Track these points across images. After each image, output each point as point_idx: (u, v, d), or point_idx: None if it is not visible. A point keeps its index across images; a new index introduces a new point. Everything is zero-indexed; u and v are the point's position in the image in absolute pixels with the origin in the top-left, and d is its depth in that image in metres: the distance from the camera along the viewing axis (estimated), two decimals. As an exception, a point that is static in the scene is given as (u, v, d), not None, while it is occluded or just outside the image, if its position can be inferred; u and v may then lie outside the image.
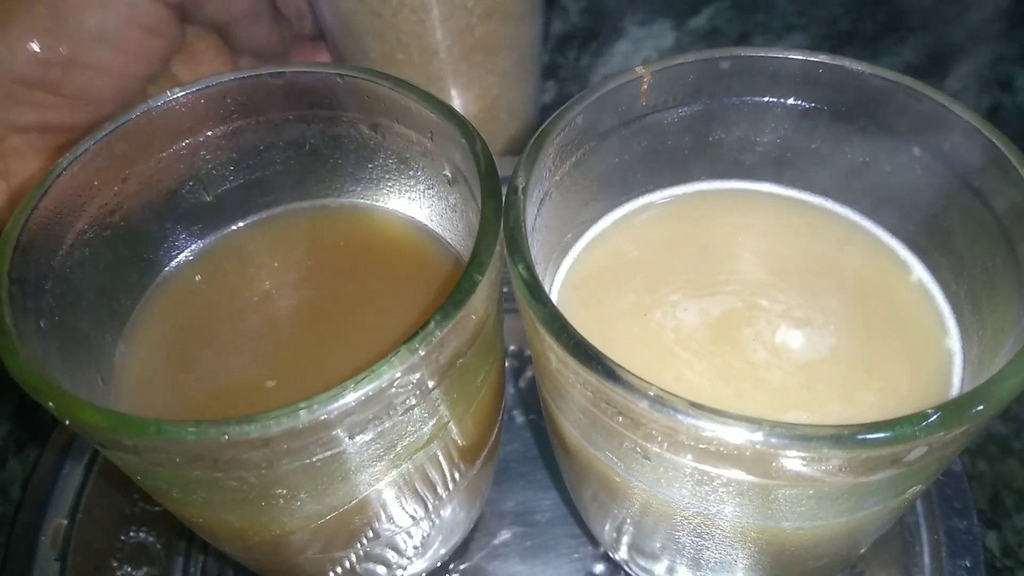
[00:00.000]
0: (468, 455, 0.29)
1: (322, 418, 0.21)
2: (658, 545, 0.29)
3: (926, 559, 0.34)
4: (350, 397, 0.21)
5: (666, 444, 0.22)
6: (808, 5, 0.64)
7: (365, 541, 0.29)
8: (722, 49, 0.29)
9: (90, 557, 0.37)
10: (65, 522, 0.38)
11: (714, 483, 0.22)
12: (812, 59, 0.28)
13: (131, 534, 0.38)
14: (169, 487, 0.25)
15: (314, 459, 0.23)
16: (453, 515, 0.33)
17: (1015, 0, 0.63)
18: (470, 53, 0.45)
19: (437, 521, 0.32)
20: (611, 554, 0.36)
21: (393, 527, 0.30)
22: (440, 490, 0.30)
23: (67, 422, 0.22)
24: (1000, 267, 0.26)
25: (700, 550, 0.27)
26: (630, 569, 0.34)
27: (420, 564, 0.35)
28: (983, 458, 0.40)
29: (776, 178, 0.32)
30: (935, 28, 0.62)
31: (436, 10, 0.42)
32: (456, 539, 0.36)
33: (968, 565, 0.33)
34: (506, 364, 0.44)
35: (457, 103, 0.48)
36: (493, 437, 0.32)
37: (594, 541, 0.38)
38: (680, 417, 0.20)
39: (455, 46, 0.45)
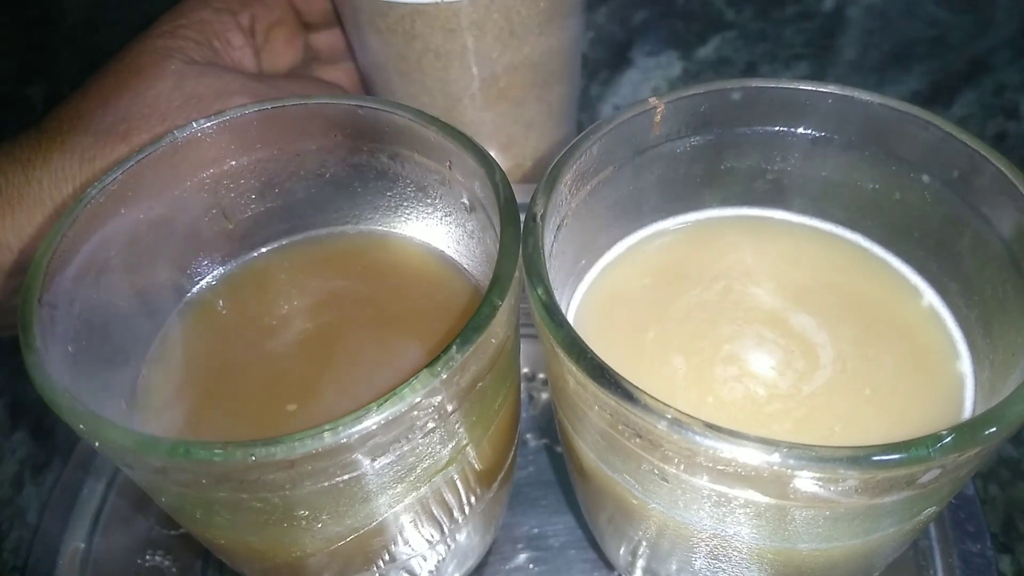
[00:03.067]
0: (485, 478, 0.30)
1: (345, 440, 0.21)
2: (674, 567, 0.30)
3: (940, 583, 0.34)
4: (372, 420, 0.21)
5: (683, 466, 0.22)
6: (814, 35, 0.65)
7: (381, 564, 0.30)
8: (733, 80, 0.29)
9: (108, 581, 0.38)
10: (83, 546, 0.38)
11: (731, 504, 0.22)
12: (821, 89, 0.29)
13: (147, 558, 0.39)
14: (193, 509, 0.25)
15: (336, 480, 0.23)
16: (468, 539, 0.33)
17: (1020, 28, 0.64)
18: (495, 103, 0.46)
19: (452, 545, 0.32)
20: (625, 578, 0.36)
21: (409, 550, 0.30)
22: (456, 513, 0.30)
23: (96, 444, 0.22)
24: (1010, 291, 0.26)
25: (716, 572, 0.27)
26: (645, 593, 0.34)
27: (435, 588, 0.35)
28: (995, 482, 0.40)
29: (787, 205, 0.33)
30: (940, 57, 0.63)
31: (460, 58, 0.43)
32: (470, 563, 0.36)
33: (983, 589, 0.33)
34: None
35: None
36: (509, 461, 0.32)
37: (608, 565, 0.38)
38: (698, 439, 0.20)
39: (479, 95, 0.45)
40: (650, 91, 0.63)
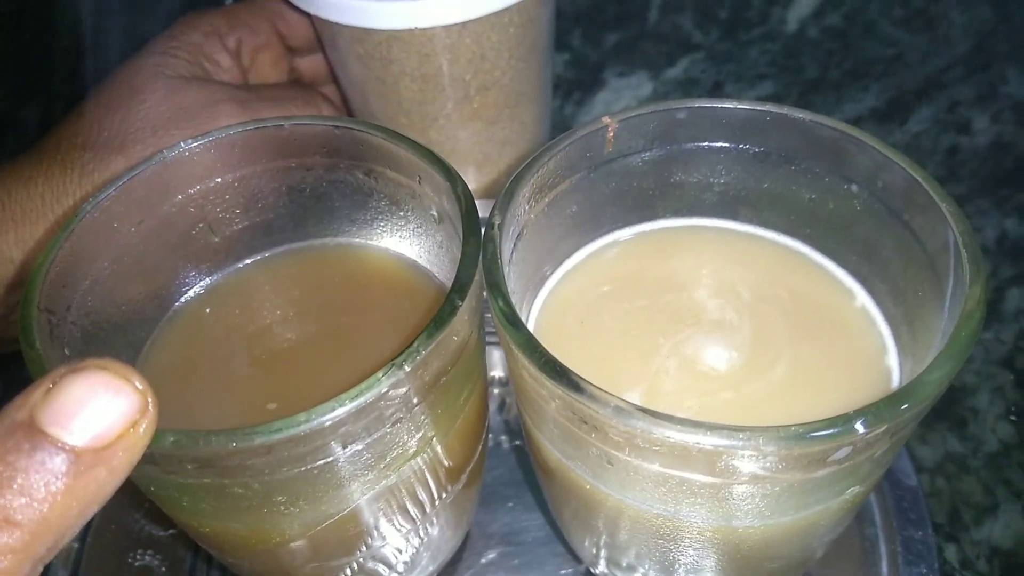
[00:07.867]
0: (453, 471, 0.32)
1: (318, 427, 0.24)
2: (633, 555, 0.32)
3: (884, 568, 0.36)
4: (344, 409, 0.24)
5: (625, 448, 0.24)
6: (778, 55, 0.67)
7: (359, 553, 0.32)
8: (679, 101, 0.32)
9: (99, 578, 0.39)
10: (76, 544, 0.40)
11: (670, 483, 0.25)
12: (759, 108, 0.31)
13: (138, 557, 0.40)
14: (180, 496, 0.27)
15: (311, 467, 0.25)
16: (441, 532, 0.35)
17: (974, 47, 0.67)
18: (469, 122, 0.48)
19: (425, 537, 0.34)
20: (592, 570, 0.38)
21: (383, 540, 0.32)
22: (427, 505, 0.32)
23: (91, 436, 0.24)
24: (928, 293, 0.28)
25: (667, 553, 0.29)
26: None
27: (410, 580, 0.37)
28: (942, 476, 0.43)
29: (732, 215, 0.35)
30: (897, 75, 0.65)
31: (435, 81, 0.45)
32: (444, 557, 0.38)
33: (924, 573, 0.36)
34: (494, 393, 0.47)
35: (457, 168, 0.51)
36: (477, 456, 0.34)
37: (578, 559, 0.40)
38: (634, 422, 0.23)
39: (454, 115, 0.47)
40: (621, 111, 0.66)
